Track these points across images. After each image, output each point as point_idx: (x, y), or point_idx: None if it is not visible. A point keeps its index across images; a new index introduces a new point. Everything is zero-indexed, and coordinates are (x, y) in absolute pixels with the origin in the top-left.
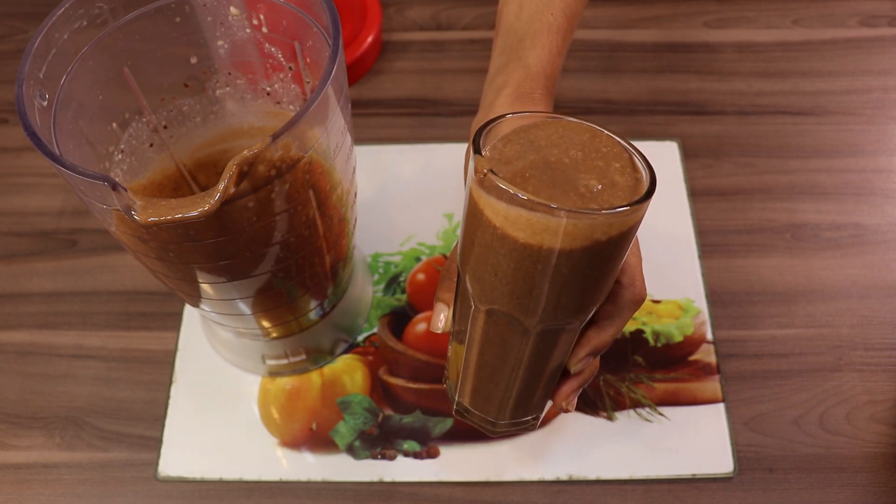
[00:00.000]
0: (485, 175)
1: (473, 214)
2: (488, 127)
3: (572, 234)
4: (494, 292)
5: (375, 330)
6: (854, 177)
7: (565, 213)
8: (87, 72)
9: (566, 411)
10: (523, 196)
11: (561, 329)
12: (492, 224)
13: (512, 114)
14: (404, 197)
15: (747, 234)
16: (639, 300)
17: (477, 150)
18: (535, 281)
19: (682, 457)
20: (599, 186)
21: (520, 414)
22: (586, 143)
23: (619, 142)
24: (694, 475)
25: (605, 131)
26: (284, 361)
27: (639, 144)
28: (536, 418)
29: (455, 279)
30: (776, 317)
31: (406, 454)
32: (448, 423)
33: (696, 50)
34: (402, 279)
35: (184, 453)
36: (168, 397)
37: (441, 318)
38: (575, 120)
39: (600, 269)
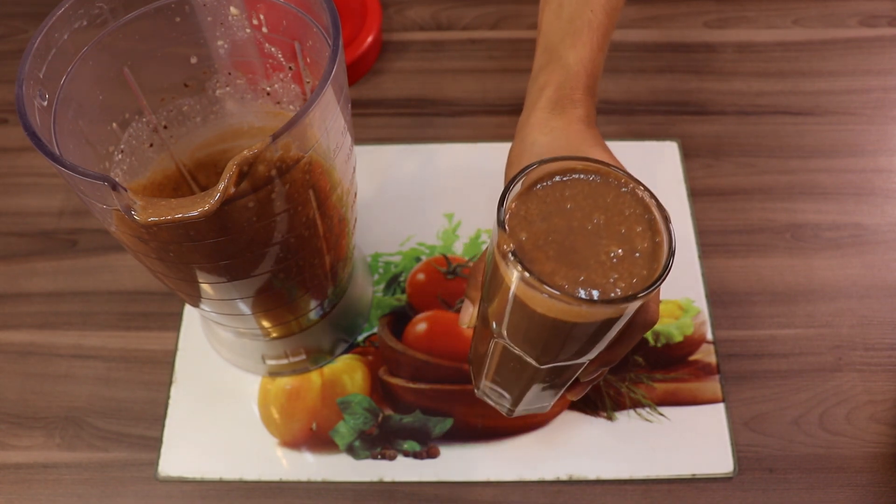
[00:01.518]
0: (506, 253)
1: (495, 272)
2: (514, 183)
3: (587, 315)
4: (510, 335)
5: (375, 330)
6: (854, 177)
7: (582, 303)
8: (87, 72)
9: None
10: (538, 282)
11: (571, 364)
12: (511, 290)
13: (527, 169)
14: (404, 197)
15: (747, 234)
16: (649, 324)
17: (500, 223)
18: (549, 338)
19: (682, 457)
20: (620, 252)
21: (533, 404)
22: (610, 205)
23: (642, 198)
24: (694, 475)
25: (631, 183)
26: (284, 361)
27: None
28: (550, 403)
29: (482, 278)
30: (776, 317)
31: (406, 454)
32: (448, 423)
33: (696, 50)
34: (402, 279)
35: (184, 453)
36: (168, 397)
37: (467, 314)
38: (602, 171)
39: (613, 331)
